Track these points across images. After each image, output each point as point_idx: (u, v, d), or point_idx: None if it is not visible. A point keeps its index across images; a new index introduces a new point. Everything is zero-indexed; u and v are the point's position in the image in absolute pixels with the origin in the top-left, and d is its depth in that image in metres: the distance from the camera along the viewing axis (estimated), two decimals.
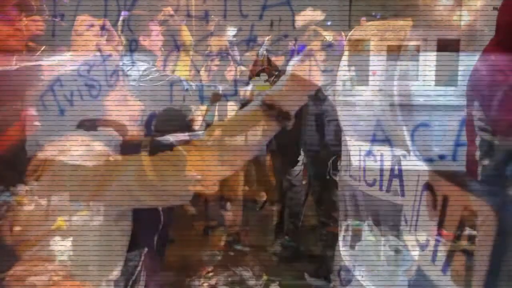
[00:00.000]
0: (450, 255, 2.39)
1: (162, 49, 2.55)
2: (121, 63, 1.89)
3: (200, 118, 3.22)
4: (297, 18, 1.80)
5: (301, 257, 4.30)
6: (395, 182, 3.01)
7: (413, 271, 3.04)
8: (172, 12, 2.43)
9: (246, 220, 4.94)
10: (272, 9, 1.86)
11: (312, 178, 4.29)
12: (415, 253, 2.67)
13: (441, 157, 2.55)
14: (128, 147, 1.81)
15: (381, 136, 2.89)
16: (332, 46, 1.73)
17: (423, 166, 2.69)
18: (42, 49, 2.32)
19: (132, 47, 1.98)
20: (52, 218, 1.70)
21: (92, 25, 2.06)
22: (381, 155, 3.00)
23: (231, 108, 3.30)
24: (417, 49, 3.24)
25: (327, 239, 3.91)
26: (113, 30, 2.08)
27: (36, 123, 1.78)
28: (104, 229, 1.73)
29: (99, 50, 2.00)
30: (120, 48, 2.09)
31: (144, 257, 2.09)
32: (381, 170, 3.06)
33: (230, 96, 2.11)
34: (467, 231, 2.37)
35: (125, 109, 1.82)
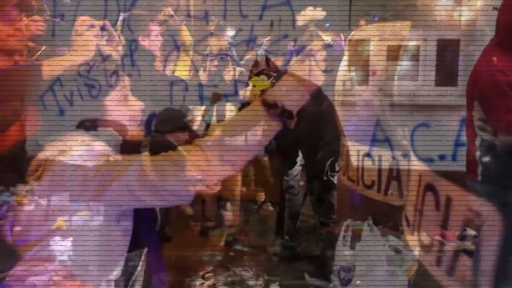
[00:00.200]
0: (454, 255, 2.38)
1: (162, 49, 2.54)
2: (120, 63, 1.89)
3: (199, 118, 3.22)
4: (298, 17, 1.79)
5: (299, 257, 4.30)
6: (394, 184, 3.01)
7: (413, 271, 3.05)
8: (172, 12, 2.43)
9: (245, 220, 4.94)
10: (272, 10, 1.86)
11: (310, 179, 4.30)
12: (416, 253, 2.67)
13: (441, 157, 2.54)
14: (128, 147, 1.81)
15: (381, 136, 2.89)
16: (332, 47, 1.73)
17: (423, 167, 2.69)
18: (42, 49, 2.32)
19: (132, 47, 1.98)
20: (52, 218, 1.70)
21: (92, 26, 2.06)
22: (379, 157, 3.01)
23: (230, 108, 3.30)
24: (417, 49, 3.25)
25: (325, 240, 3.92)
26: (112, 30, 2.08)
27: (37, 122, 1.78)
28: (105, 229, 1.72)
29: (99, 50, 2.00)
30: (120, 48, 2.09)
31: (144, 257, 2.09)
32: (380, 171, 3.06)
33: (230, 97, 2.11)
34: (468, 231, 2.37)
35: (125, 108, 1.82)
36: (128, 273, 2.01)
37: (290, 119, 1.66)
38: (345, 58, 3.23)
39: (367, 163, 3.08)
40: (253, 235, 4.87)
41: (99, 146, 1.73)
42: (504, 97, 2.40)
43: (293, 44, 1.80)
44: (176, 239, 4.14)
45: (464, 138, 2.56)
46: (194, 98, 2.08)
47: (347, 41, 3.07)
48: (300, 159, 4.46)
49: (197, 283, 3.88)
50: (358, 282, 3.03)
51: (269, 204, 5.10)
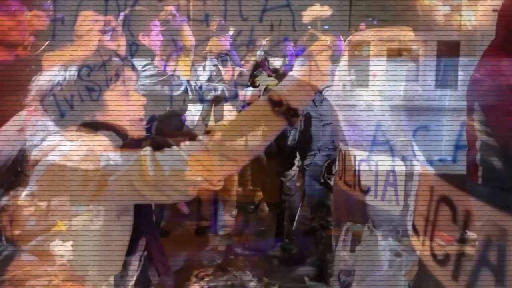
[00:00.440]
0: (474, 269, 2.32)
1: (162, 48, 2.54)
2: (125, 61, 1.88)
3: (198, 119, 3.22)
4: (303, 13, 1.79)
5: (296, 260, 4.30)
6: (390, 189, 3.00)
7: (413, 274, 3.04)
8: (174, 12, 2.42)
9: (241, 222, 4.93)
10: (272, 12, 1.86)
11: (307, 182, 4.30)
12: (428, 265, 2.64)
13: (441, 160, 2.54)
14: (129, 145, 1.81)
15: (381, 139, 2.89)
16: (333, 48, 1.74)
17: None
18: (46, 44, 2.31)
19: (132, 46, 1.97)
20: (52, 218, 1.69)
21: (96, 21, 2.06)
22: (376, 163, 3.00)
23: (228, 109, 3.30)
24: (417, 51, 3.25)
25: (322, 242, 3.91)
26: (117, 25, 2.07)
27: (37, 118, 1.77)
28: (105, 228, 1.72)
29: (103, 46, 2.00)
30: (123, 44, 2.08)
31: (143, 260, 2.08)
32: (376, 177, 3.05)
33: (230, 98, 2.11)
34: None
35: (127, 104, 1.81)
36: (127, 276, 2.00)
37: (295, 117, 1.67)
38: (345, 60, 3.23)
39: (364, 167, 3.07)
40: (251, 236, 4.86)
41: (100, 146, 1.72)
42: (504, 100, 2.40)
43: (292, 46, 1.81)
44: (172, 238, 4.14)
45: (464, 140, 2.56)
46: (194, 99, 2.08)
47: (346, 43, 3.07)
48: (297, 160, 4.46)
49: (197, 286, 3.87)
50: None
51: (265, 204, 5.09)
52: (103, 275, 1.79)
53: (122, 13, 2.01)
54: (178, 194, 1.70)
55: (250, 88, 2.97)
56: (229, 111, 3.19)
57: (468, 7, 2.75)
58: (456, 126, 2.61)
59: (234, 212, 5.04)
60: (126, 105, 1.82)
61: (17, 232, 1.72)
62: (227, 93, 2.61)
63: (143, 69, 2.45)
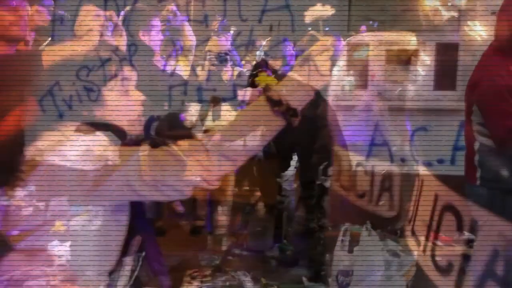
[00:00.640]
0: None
1: (162, 47, 2.53)
2: (124, 55, 1.87)
3: (196, 119, 3.21)
4: (305, 13, 1.79)
5: (289, 261, 4.30)
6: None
7: (411, 275, 3.04)
8: (175, 10, 2.41)
9: (237, 222, 4.93)
10: (271, 13, 1.86)
11: (302, 183, 4.31)
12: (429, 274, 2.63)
13: (440, 161, 2.54)
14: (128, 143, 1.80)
15: (380, 140, 2.89)
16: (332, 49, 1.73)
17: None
18: (48, 40, 2.29)
19: (131, 46, 1.96)
20: (46, 217, 1.68)
21: (97, 16, 2.04)
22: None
23: (226, 109, 3.30)
24: (416, 53, 3.25)
25: (317, 244, 3.92)
26: (118, 21, 2.06)
27: (35, 113, 1.76)
28: (101, 227, 1.71)
29: (104, 42, 1.99)
30: (124, 40, 2.07)
31: (142, 261, 2.08)
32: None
33: (229, 98, 2.10)
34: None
35: (126, 100, 1.80)
36: (126, 276, 2.00)
37: (294, 117, 1.67)
38: (344, 62, 3.24)
39: (360, 171, 3.08)
40: (247, 237, 4.85)
41: (98, 145, 1.71)
42: (503, 102, 2.40)
43: (292, 46, 1.81)
44: (167, 237, 4.13)
45: (462, 142, 2.56)
46: (193, 99, 2.07)
47: (346, 45, 3.07)
48: (294, 162, 4.46)
49: (186, 282, 3.86)
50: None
51: (261, 205, 5.07)
52: (97, 274, 1.77)
53: (122, 12, 2.01)
54: (175, 193, 1.69)
55: (249, 88, 2.97)
56: (227, 111, 3.19)
57: (467, 11, 2.76)
58: (455, 127, 2.61)
59: (226, 209, 5.04)
60: (125, 104, 1.81)
61: (12, 231, 1.71)
62: (226, 93, 2.60)
63: (142, 67, 2.45)
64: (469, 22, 2.78)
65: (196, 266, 4.05)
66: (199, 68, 2.56)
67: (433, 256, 2.51)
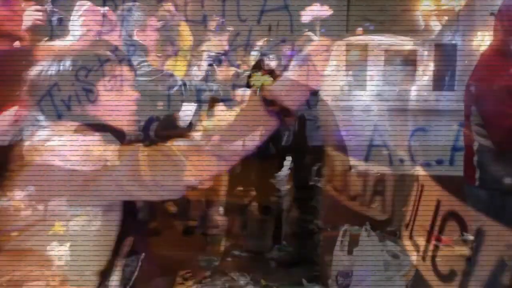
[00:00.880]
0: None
1: (159, 47, 2.51)
2: (118, 52, 1.85)
3: (192, 118, 3.19)
4: (302, 13, 1.78)
5: (286, 262, 4.30)
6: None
7: (410, 276, 3.04)
8: (172, 9, 2.39)
9: (230, 223, 4.93)
10: (270, 13, 1.86)
11: (296, 184, 4.31)
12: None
13: (439, 162, 2.54)
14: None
15: (379, 141, 2.89)
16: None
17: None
18: (45, 39, 2.27)
19: (129, 43, 1.96)
20: (39, 217, 1.67)
21: (92, 11, 2.02)
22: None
23: (222, 109, 3.27)
24: (414, 54, 3.26)
25: (310, 245, 3.92)
26: (113, 18, 2.04)
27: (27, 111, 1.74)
28: (95, 229, 1.69)
29: (98, 37, 1.97)
30: (120, 37, 2.05)
31: (141, 263, 2.07)
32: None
33: (225, 98, 2.10)
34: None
35: (120, 103, 1.78)
36: (126, 279, 1.99)
37: (288, 118, 1.66)
38: (343, 63, 3.24)
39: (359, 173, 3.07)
40: (240, 237, 4.85)
41: (91, 144, 1.70)
42: (501, 103, 2.40)
43: (290, 46, 1.80)
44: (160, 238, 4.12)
45: (462, 143, 2.56)
46: (188, 98, 2.06)
47: (345, 45, 3.07)
48: (288, 162, 4.46)
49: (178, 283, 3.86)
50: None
51: (254, 206, 5.05)
52: (88, 274, 1.75)
53: (119, 10, 2.00)
54: (166, 192, 1.68)
55: (245, 88, 2.96)
56: (223, 111, 3.17)
57: (466, 11, 2.76)
58: (454, 128, 2.61)
59: (221, 210, 5.03)
60: (118, 102, 1.78)
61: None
62: (221, 93, 2.60)
63: (138, 66, 2.44)
64: (468, 23, 2.78)
65: (190, 267, 4.04)
66: (195, 68, 2.55)
67: (433, 261, 2.50)
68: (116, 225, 1.79)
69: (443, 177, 2.53)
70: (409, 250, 2.81)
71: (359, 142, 3.03)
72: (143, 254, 1.97)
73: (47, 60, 1.79)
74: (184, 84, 2.51)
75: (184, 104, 2.63)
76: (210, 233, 4.76)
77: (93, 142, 1.71)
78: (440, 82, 3.09)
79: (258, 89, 1.74)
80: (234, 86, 2.37)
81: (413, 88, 3.15)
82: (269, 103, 1.64)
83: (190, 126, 1.76)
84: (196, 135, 1.69)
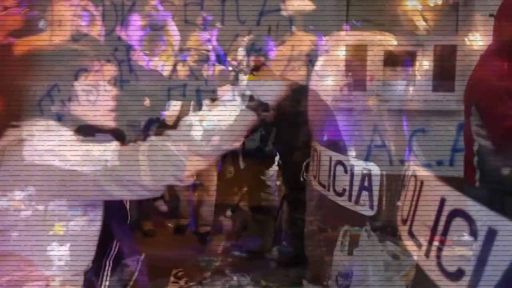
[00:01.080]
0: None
1: (146, 43, 2.48)
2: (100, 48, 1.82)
3: (177, 114, 3.17)
4: (283, 7, 1.75)
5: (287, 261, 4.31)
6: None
7: (410, 277, 3.04)
8: (157, 6, 2.36)
9: (221, 221, 4.92)
10: (269, 15, 1.85)
11: (286, 180, 4.30)
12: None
13: (439, 162, 2.54)
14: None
15: (379, 142, 2.89)
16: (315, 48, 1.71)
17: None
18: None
19: (109, 35, 1.92)
20: (20, 217, 1.65)
21: (72, 5, 1.97)
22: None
23: (206, 105, 3.25)
24: (414, 55, 3.26)
25: (295, 240, 3.93)
26: (95, 11, 2.00)
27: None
28: (76, 228, 1.67)
29: (78, 31, 1.93)
30: (101, 31, 2.00)
31: (141, 264, 2.07)
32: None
33: (209, 94, 2.07)
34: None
35: (98, 98, 1.75)
36: (125, 279, 1.99)
37: (266, 113, 1.64)
38: (342, 63, 3.24)
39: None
40: (232, 235, 4.85)
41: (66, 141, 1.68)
42: (501, 103, 2.40)
43: (274, 42, 1.78)
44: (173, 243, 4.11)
45: (462, 143, 2.56)
46: (174, 95, 2.04)
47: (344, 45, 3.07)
48: (278, 159, 4.45)
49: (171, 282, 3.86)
50: None
51: (245, 203, 5.03)
52: (73, 274, 1.74)
53: (100, 6, 1.96)
54: (143, 190, 1.64)
55: (229, 85, 2.94)
56: (207, 107, 3.15)
57: (465, 12, 2.76)
58: (453, 129, 2.61)
59: (229, 213, 5.01)
60: (97, 98, 1.75)
61: None
62: (206, 89, 2.57)
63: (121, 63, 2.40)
64: (467, 24, 2.78)
65: (178, 266, 4.02)
66: (180, 65, 2.51)
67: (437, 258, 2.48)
68: (98, 224, 1.76)
69: (443, 178, 2.52)
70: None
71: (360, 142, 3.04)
72: (143, 255, 1.97)
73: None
74: (170, 81, 2.47)
75: (169, 101, 2.60)
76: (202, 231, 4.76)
77: (70, 142, 1.69)
78: (440, 83, 3.09)
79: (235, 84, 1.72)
80: (218, 82, 2.35)
81: (413, 88, 3.15)
82: (247, 98, 1.62)
83: (176, 123, 1.72)
84: (171, 131, 1.65)
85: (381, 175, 2.98)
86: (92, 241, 1.75)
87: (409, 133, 2.87)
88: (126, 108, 1.92)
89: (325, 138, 3.28)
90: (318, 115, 3.34)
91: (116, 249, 1.93)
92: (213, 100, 1.87)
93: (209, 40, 2.66)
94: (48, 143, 1.65)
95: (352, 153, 3.06)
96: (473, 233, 2.24)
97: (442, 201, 2.38)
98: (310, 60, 1.68)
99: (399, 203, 2.88)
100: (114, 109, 1.80)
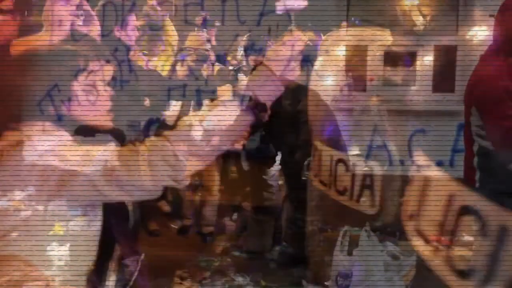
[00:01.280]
0: None
1: (144, 43, 2.47)
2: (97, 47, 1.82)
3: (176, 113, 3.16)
4: (276, 3, 1.73)
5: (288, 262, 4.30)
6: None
7: (410, 277, 3.04)
8: (155, 6, 2.35)
9: (224, 221, 4.92)
10: (269, 16, 1.85)
11: (288, 179, 4.30)
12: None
13: (439, 163, 2.53)
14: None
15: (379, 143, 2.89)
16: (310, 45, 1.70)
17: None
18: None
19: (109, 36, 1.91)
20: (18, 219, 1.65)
21: (67, 3, 1.95)
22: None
23: (205, 105, 3.24)
24: (414, 55, 3.26)
25: (294, 240, 3.93)
26: (90, 10, 1.99)
27: None
28: (76, 229, 1.67)
29: (74, 30, 1.92)
30: (97, 30, 1.99)
31: (141, 264, 2.08)
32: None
33: (208, 94, 2.07)
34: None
35: (95, 98, 1.74)
36: (125, 279, 2.00)
37: (263, 112, 1.63)
38: (342, 63, 3.24)
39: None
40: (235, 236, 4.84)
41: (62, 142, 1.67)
42: (501, 104, 2.40)
43: (271, 41, 1.77)
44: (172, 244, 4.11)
45: (462, 144, 2.56)
46: (173, 95, 2.04)
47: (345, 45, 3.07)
48: (279, 158, 4.45)
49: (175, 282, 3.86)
50: None
51: (247, 203, 5.02)
52: (74, 275, 1.74)
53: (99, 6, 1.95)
54: (141, 192, 1.64)
55: (228, 85, 2.93)
56: (207, 108, 3.14)
57: (465, 12, 2.76)
58: (454, 130, 2.60)
59: (235, 216, 5.01)
60: (93, 98, 1.74)
61: None
62: (206, 90, 2.57)
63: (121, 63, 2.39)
64: (467, 24, 2.78)
65: (183, 267, 4.03)
66: (178, 64, 2.51)
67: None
68: (98, 225, 1.75)
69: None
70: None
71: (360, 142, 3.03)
72: (142, 255, 1.97)
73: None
74: (170, 81, 2.47)
75: (169, 101, 2.60)
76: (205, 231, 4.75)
77: (70, 142, 1.68)
78: (440, 83, 3.09)
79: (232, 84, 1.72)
80: (217, 82, 2.34)
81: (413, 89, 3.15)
82: (248, 99, 1.61)
83: (176, 124, 1.70)
84: (168, 132, 1.65)
85: (382, 175, 2.98)
86: (92, 241, 1.75)
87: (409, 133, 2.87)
88: (126, 108, 1.92)
89: (326, 137, 3.28)
90: (318, 115, 3.34)
91: (118, 250, 1.93)
92: (213, 100, 1.86)
93: (208, 40, 2.66)
94: (48, 144, 1.65)
95: (353, 152, 3.06)
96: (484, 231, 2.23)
97: (451, 198, 2.38)
98: (307, 59, 1.67)
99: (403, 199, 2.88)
100: (114, 109, 1.80)
